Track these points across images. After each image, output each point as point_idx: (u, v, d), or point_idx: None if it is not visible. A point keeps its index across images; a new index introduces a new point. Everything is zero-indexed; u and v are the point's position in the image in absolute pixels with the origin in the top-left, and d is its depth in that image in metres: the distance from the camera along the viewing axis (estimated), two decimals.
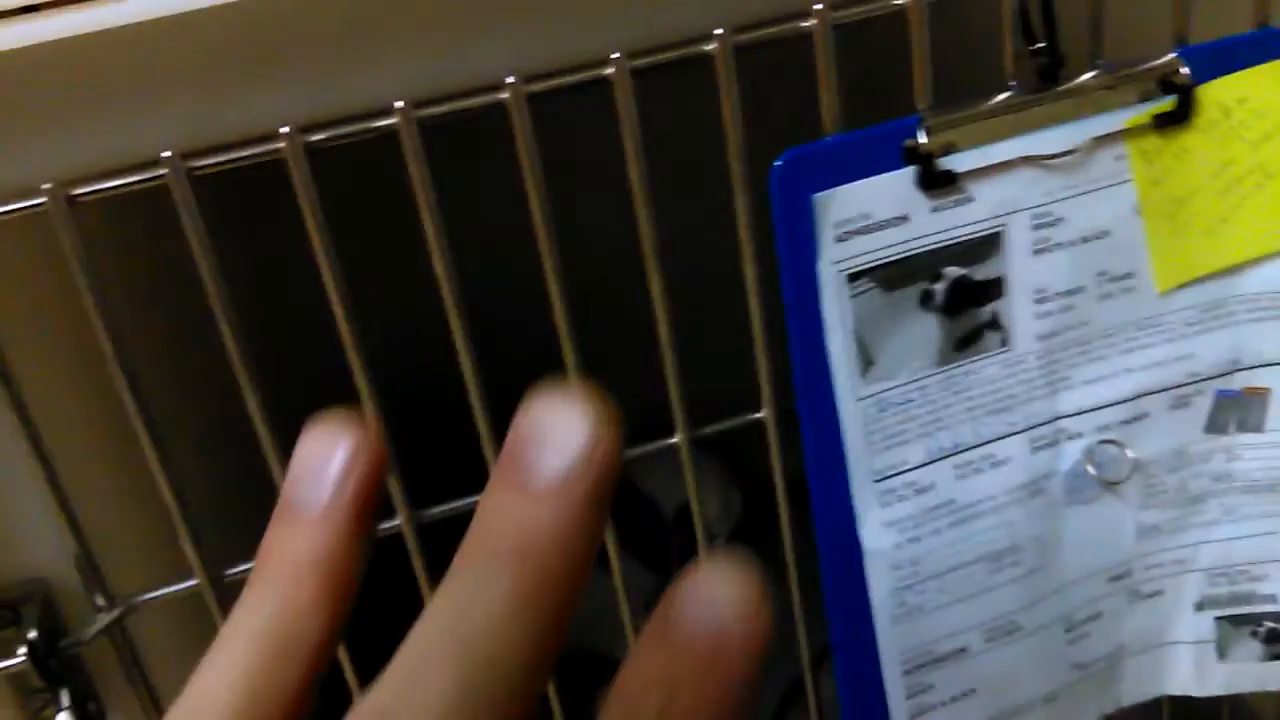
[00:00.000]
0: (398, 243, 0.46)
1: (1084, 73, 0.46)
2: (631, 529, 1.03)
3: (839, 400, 0.48)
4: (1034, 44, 0.45)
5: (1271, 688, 0.57)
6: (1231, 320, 0.51)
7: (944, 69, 0.47)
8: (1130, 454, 0.52)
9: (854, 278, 0.46)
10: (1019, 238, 0.48)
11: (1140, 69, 0.47)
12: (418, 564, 0.48)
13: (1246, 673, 0.57)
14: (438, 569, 0.46)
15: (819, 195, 0.44)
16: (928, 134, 0.45)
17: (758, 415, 0.49)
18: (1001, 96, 0.46)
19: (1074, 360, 0.50)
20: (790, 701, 0.88)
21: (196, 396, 0.59)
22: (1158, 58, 0.47)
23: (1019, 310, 0.49)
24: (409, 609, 0.26)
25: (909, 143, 0.45)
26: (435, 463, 0.52)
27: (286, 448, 0.28)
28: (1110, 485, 0.53)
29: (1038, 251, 0.48)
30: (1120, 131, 0.47)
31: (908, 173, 0.45)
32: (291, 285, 0.47)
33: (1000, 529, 0.52)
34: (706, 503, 1.14)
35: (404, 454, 0.45)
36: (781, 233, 0.45)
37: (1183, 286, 0.50)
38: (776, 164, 0.44)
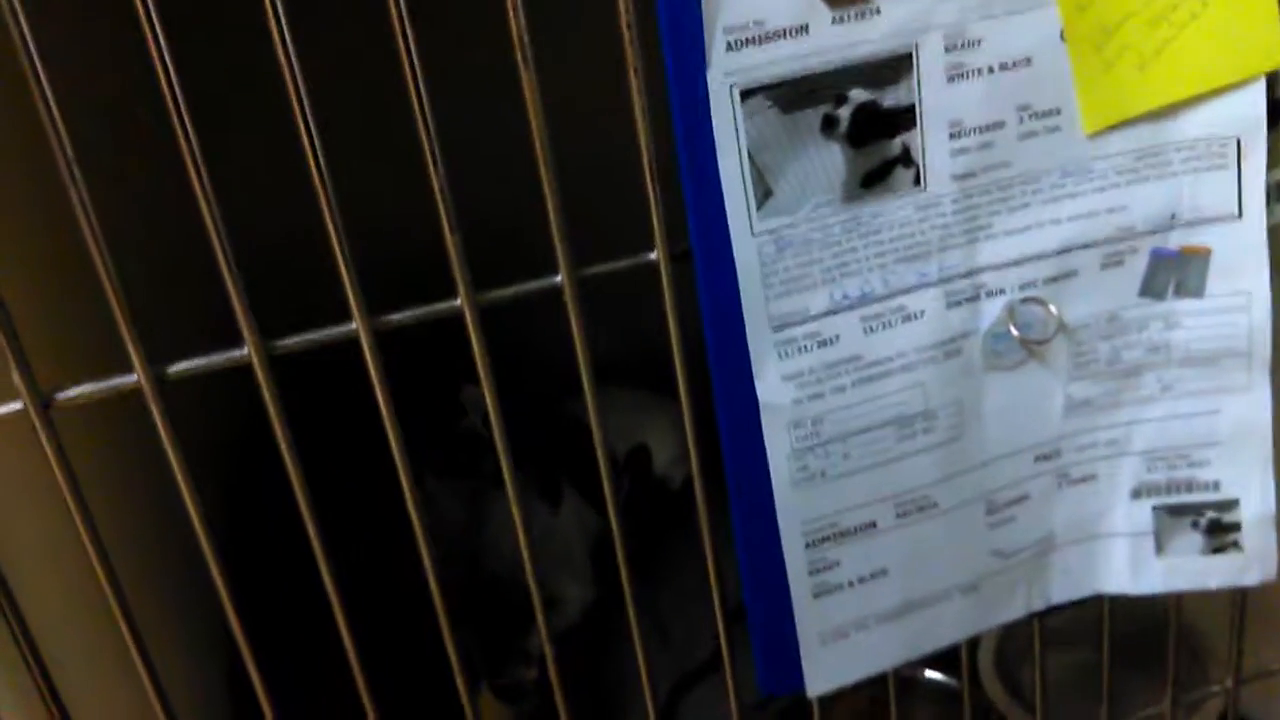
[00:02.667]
0: None
1: None
2: (580, 469, 0.99)
3: (733, 234, 0.44)
4: None
5: (1212, 584, 0.53)
6: (1168, 169, 0.47)
7: None
8: (1056, 313, 0.48)
9: (748, 94, 0.42)
10: (931, 60, 0.44)
11: None
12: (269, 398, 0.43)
13: (1187, 568, 0.53)
14: None
15: None
16: None
17: (649, 256, 0.45)
18: None
19: (994, 206, 0.46)
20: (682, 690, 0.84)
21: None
22: None
23: (933, 144, 0.45)
24: None
25: None
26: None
27: None
28: (1035, 350, 0.49)
29: (952, 78, 0.44)
30: None
31: None
32: None
33: (911, 390, 0.48)
34: (662, 448, 1.11)
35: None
36: (667, 37, 0.41)
37: (1114, 129, 0.46)
38: None
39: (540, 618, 0.52)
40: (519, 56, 0.40)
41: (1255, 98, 0.46)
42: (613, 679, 0.84)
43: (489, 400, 0.47)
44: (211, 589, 0.45)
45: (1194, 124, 0.47)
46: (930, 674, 0.80)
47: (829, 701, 0.79)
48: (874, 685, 0.53)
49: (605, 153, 0.53)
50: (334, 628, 0.47)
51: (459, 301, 0.43)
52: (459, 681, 0.51)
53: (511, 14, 0.39)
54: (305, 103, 0.39)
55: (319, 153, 0.40)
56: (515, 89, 0.40)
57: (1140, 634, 0.65)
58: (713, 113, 0.42)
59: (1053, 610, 0.54)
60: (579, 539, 0.92)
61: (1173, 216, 0.48)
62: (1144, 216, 0.48)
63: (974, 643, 0.79)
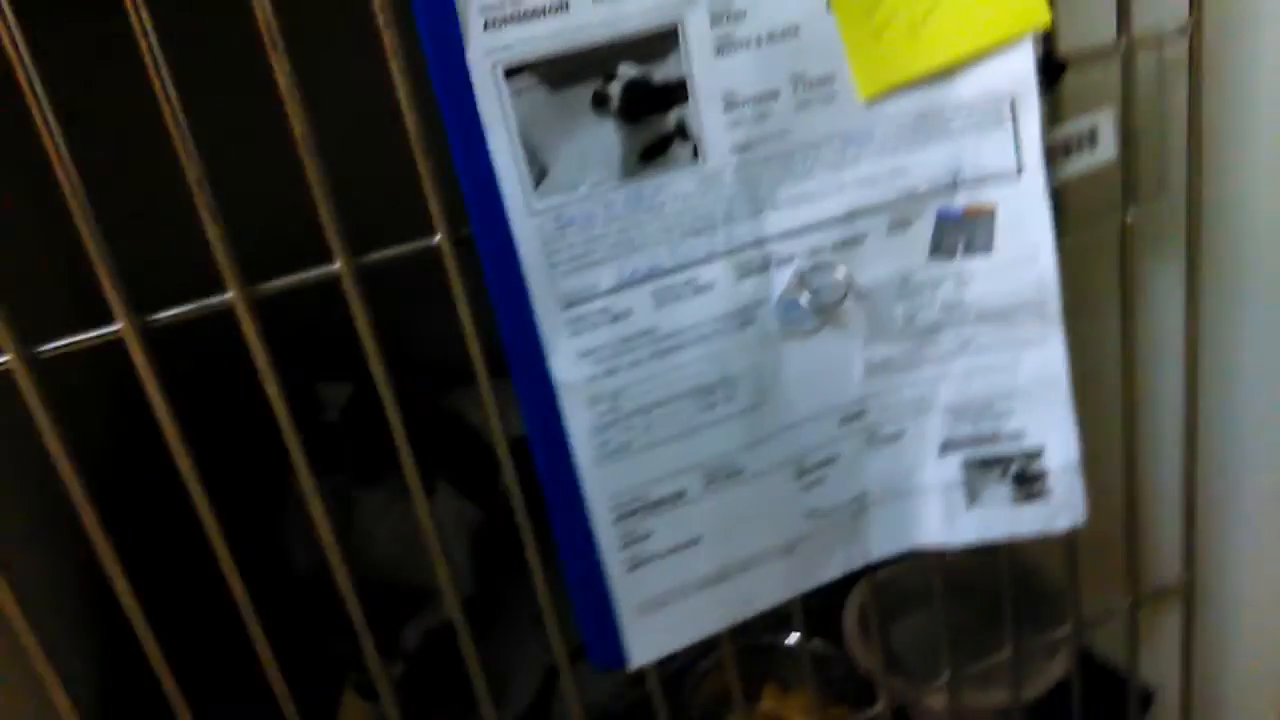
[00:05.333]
0: None
1: None
2: (458, 463, 0.99)
3: (511, 215, 0.44)
4: None
5: (1024, 531, 0.54)
6: (947, 131, 0.48)
7: None
8: (845, 277, 0.49)
9: (513, 73, 0.42)
10: (698, 33, 0.44)
11: None
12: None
13: (999, 517, 0.54)
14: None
15: None
16: None
17: (431, 242, 0.45)
18: None
19: (776, 176, 0.47)
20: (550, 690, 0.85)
21: None
22: None
23: (708, 118, 0.45)
24: None
25: None
26: None
27: None
28: (829, 315, 0.49)
29: (721, 50, 0.45)
30: None
31: None
32: None
33: (708, 361, 0.48)
34: None
35: None
36: (422, 17, 0.41)
37: (889, 94, 0.47)
38: None
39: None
40: (268, 43, 0.40)
41: (1024, 57, 0.47)
42: (492, 667, 0.84)
43: (378, 378, 0.47)
44: (90, 584, 0.44)
45: (968, 85, 0.48)
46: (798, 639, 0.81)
47: (700, 676, 0.80)
48: (745, 656, 0.54)
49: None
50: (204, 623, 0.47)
51: (337, 266, 0.44)
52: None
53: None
54: (167, 81, 0.39)
55: (184, 126, 0.40)
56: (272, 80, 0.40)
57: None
58: (477, 92, 0.42)
59: (878, 566, 0.56)
60: (454, 532, 0.92)
61: (955, 177, 0.49)
62: (927, 178, 0.49)
63: (840, 605, 0.81)
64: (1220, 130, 0.61)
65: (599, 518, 0.48)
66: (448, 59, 0.41)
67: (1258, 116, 0.61)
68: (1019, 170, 0.49)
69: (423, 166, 0.43)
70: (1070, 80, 0.53)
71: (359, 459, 0.87)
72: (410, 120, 0.42)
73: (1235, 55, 0.60)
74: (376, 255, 0.45)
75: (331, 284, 0.44)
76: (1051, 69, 0.52)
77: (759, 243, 0.48)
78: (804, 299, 0.49)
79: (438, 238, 0.45)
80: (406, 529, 0.96)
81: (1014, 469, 0.53)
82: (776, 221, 0.48)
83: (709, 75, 0.45)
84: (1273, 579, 0.71)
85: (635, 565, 0.49)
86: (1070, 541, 0.61)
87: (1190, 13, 0.55)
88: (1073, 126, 0.53)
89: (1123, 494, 0.62)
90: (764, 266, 0.48)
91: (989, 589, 0.65)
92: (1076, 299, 0.51)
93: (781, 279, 0.48)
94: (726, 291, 0.48)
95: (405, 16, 0.41)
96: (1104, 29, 0.53)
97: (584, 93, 0.44)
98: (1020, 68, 0.48)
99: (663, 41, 0.44)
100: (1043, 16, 0.46)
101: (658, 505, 0.49)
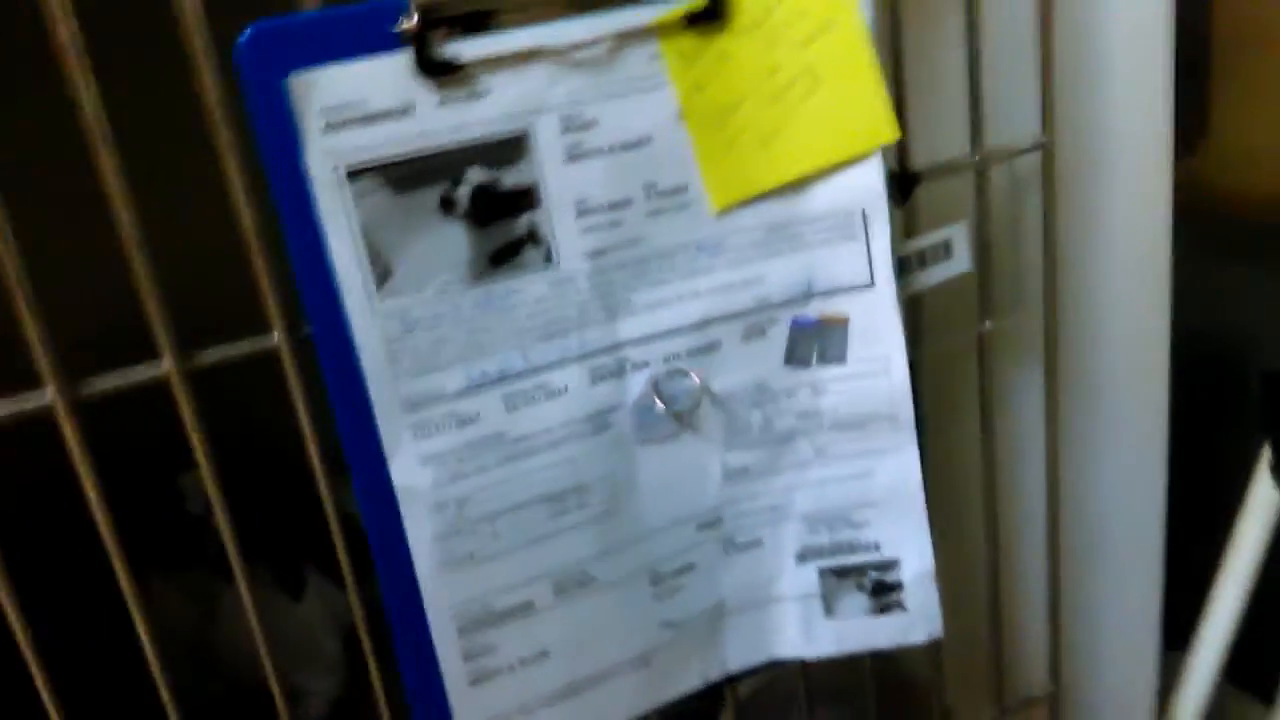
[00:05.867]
0: None
1: None
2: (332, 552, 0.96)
3: (351, 316, 0.43)
4: None
5: (881, 643, 0.54)
6: (800, 242, 0.49)
7: None
8: (700, 384, 0.49)
9: (356, 175, 0.42)
10: (549, 141, 0.44)
11: None
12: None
13: (856, 629, 0.54)
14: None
15: (295, 77, 0.40)
16: (421, 14, 0.41)
17: (269, 341, 0.44)
18: None
19: (631, 282, 0.47)
20: None
21: None
22: None
23: (560, 224, 0.45)
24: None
25: (402, 23, 0.41)
26: None
27: None
28: (684, 421, 0.49)
29: (573, 158, 0.45)
30: (651, 28, 0.44)
31: (403, 57, 0.41)
32: None
33: (561, 466, 0.47)
34: None
35: None
36: (259, 121, 0.40)
37: (744, 204, 0.48)
38: (242, 39, 0.39)
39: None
40: (96, 139, 0.39)
41: (873, 171, 0.48)
42: None
43: (206, 478, 0.45)
44: None
45: (820, 198, 0.48)
46: None
47: None
48: None
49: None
50: None
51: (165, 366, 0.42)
52: None
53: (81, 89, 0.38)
54: None
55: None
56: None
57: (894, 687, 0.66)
58: (317, 194, 0.41)
59: (734, 679, 0.55)
60: (326, 628, 0.89)
61: (809, 287, 0.49)
62: (781, 288, 0.49)
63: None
64: (1074, 241, 0.63)
65: (440, 629, 0.47)
66: (285, 161, 0.41)
67: (1110, 227, 0.63)
68: (871, 282, 0.50)
69: (258, 266, 0.42)
70: (925, 191, 0.54)
71: (222, 552, 0.84)
72: (246, 218, 0.41)
73: (1087, 168, 0.63)
74: (209, 355, 0.43)
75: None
76: (905, 181, 0.53)
77: (614, 348, 0.47)
78: (659, 405, 0.48)
79: (275, 337, 0.44)
80: (275, 625, 0.93)
81: (870, 580, 0.53)
82: (631, 327, 0.47)
83: (560, 182, 0.45)
84: (1138, 684, 0.72)
85: (478, 680, 0.48)
86: (934, 652, 0.61)
87: (1043, 128, 0.57)
88: (927, 239, 0.54)
89: (985, 604, 0.62)
90: (619, 371, 0.48)
91: (862, 696, 0.64)
92: (938, 407, 0.52)
93: (636, 384, 0.48)
94: (580, 396, 0.47)
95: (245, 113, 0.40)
96: (958, 142, 0.55)
97: (431, 196, 0.43)
98: (870, 182, 0.48)
99: (512, 147, 0.44)
100: (889, 132, 0.47)
101: (504, 617, 0.48)
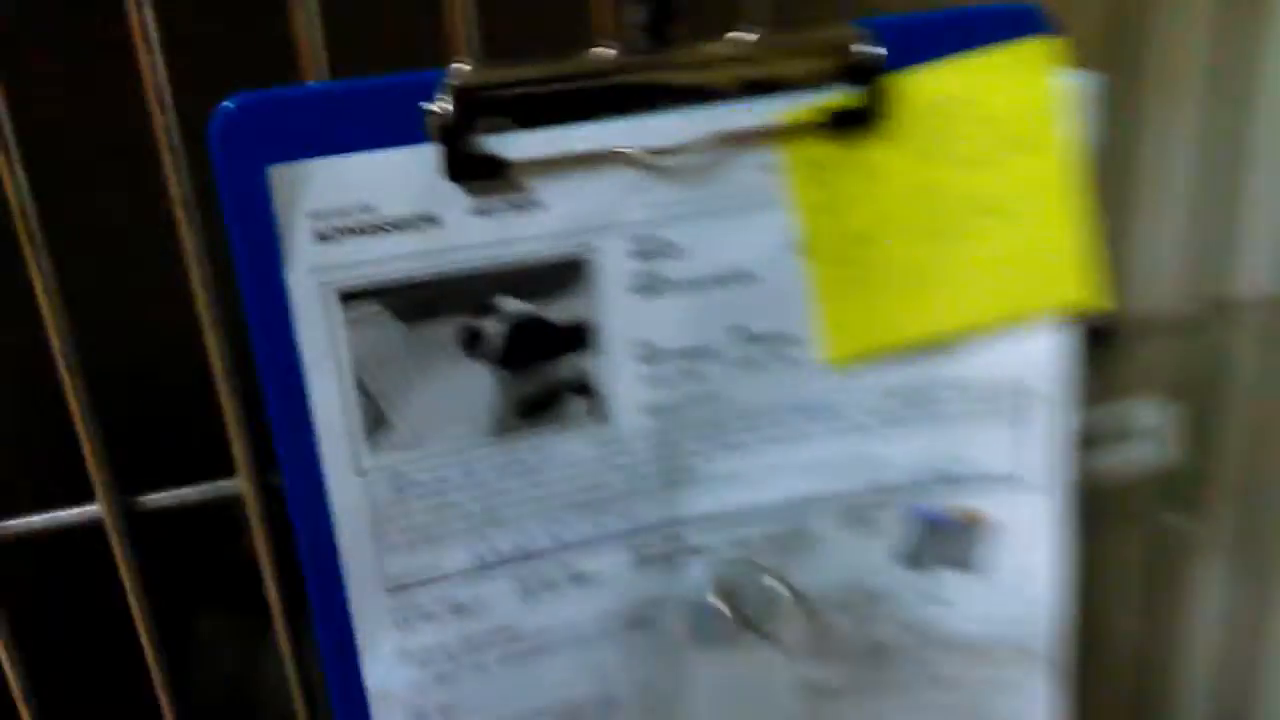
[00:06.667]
0: None
1: (721, 34, 0.32)
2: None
3: (330, 471, 0.33)
4: None
5: None
6: (937, 414, 0.37)
7: (529, 17, 0.32)
8: (778, 580, 0.38)
9: (352, 297, 0.31)
10: (614, 268, 0.33)
11: (802, 37, 0.32)
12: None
13: None
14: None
15: (279, 169, 0.30)
16: (457, 98, 0.30)
17: (229, 486, 0.34)
18: (581, 57, 0.31)
19: (701, 447, 0.36)
20: None
21: None
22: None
23: (619, 371, 0.34)
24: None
25: (429, 108, 0.30)
26: None
27: None
28: (753, 623, 0.38)
29: (644, 290, 0.34)
30: (770, 129, 0.33)
31: (429, 152, 0.30)
32: None
33: (584, 671, 0.37)
34: None
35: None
36: (232, 221, 0.30)
37: (865, 360, 0.36)
38: (218, 115, 0.29)
39: None
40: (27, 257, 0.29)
41: (1053, 339, 0.36)
42: None
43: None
44: None
45: (975, 362, 0.36)
46: None
47: None
48: None
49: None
50: None
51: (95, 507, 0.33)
52: None
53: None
54: None
55: None
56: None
57: None
58: (299, 318, 0.31)
59: None
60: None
61: (941, 472, 0.38)
62: (903, 468, 0.37)
63: None
64: None
65: None
66: (261, 274, 0.31)
67: None
68: (1027, 474, 0.38)
69: (227, 405, 0.32)
70: (1117, 351, 0.41)
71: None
72: (211, 341, 0.32)
73: None
74: (154, 497, 0.34)
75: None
76: (1098, 334, 0.40)
77: (668, 526, 0.36)
78: (721, 602, 0.37)
79: (237, 482, 0.34)
80: None
81: None
82: (694, 502, 0.36)
83: (625, 319, 0.34)
84: None
85: None
86: None
87: None
88: (1113, 412, 0.41)
89: None
90: (671, 556, 0.37)
91: None
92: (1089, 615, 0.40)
93: (694, 574, 0.37)
94: (619, 584, 0.36)
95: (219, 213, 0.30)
96: (1164, 293, 0.42)
97: (450, 329, 0.33)
98: (1048, 350, 0.36)
99: (565, 273, 0.33)
100: (1086, 294, 0.35)
101: None
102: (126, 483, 0.34)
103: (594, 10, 0.31)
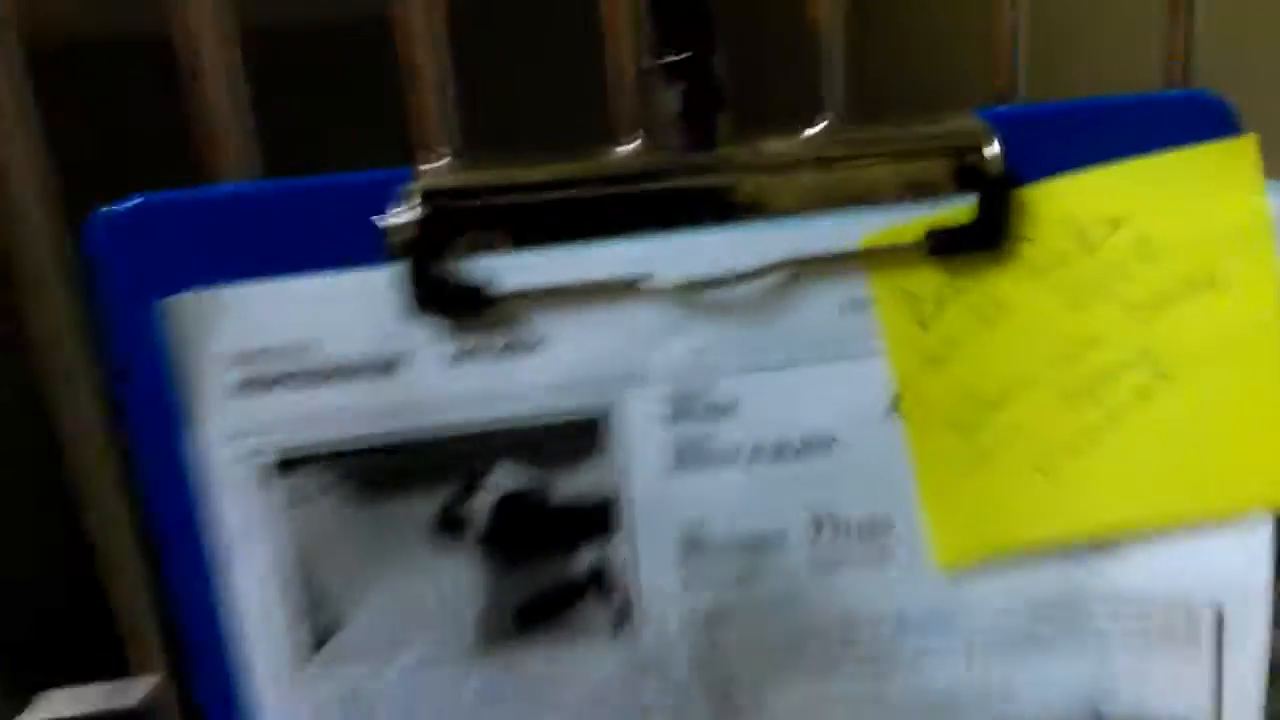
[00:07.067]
0: None
1: (789, 130, 0.24)
2: None
3: (262, 690, 0.25)
4: (668, 54, 0.23)
5: None
6: (1088, 636, 0.27)
7: (528, 100, 0.25)
8: None
9: (290, 466, 0.24)
10: (644, 430, 0.25)
11: (899, 131, 0.24)
12: None
13: None
14: None
15: (184, 297, 0.22)
16: (428, 205, 0.22)
17: (129, 698, 0.27)
18: (597, 155, 0.23)
19: (761, 670, 0.27)
20: None
21: None
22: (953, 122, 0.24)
23: (651, 564, 0.26)
24: None
25: (391, 218, 0.23)
26: None
27: None
28: None
29: (684, 460, 0.25)
30: (854, 253, 0.24)
31: (394, 276, 0.23)
32: None
33: None
34: None
35: None
36: (119, 364, 0.23)
37: (987, 561, 0.27)
38: (96, 223, 0.22)
39: None
40: None
41: (1244, 544, 0.26)
42: None
43: None
44: None
45: (1137, 571, 0.27)
46: None
47: None
48: None
49: None
50: None
51: None
52: None
53: None
54: None
55: None
56: None
57: None
58: (216, 497, 0.24)
59: None
60: None
61: (1094, 710, 0.28)
62: (1042, 704, 0.28)
63: None
64: None
65: None
66: (159, 438, 0.23)
67: None
68: (1216, 717, 0.27)
69: (123, 599, 0.25)
70: None
71: None
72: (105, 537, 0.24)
73: None
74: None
75: None
76: None
77: None
78: None
79: (153, 686, 0.26)
80: None
81: None
82: None
83: (659, 496, 0.25)
84: None
85: None
86: None
87: None
88: None
89: None
90: None
91: None
92: None
93: None
94: None
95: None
96: None
97: (423, 508, 0.25)
98: (1233, 556, 0.26)
99: (575, 437, 0.25)
100: None
101: None
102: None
103: (611, 93, 0.23)
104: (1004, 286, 0.25)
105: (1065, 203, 0.24)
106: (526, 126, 0.23)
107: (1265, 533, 0.26)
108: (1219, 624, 0.27)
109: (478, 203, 0.23)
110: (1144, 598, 0.27)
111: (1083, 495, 0.26)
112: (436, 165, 0.23)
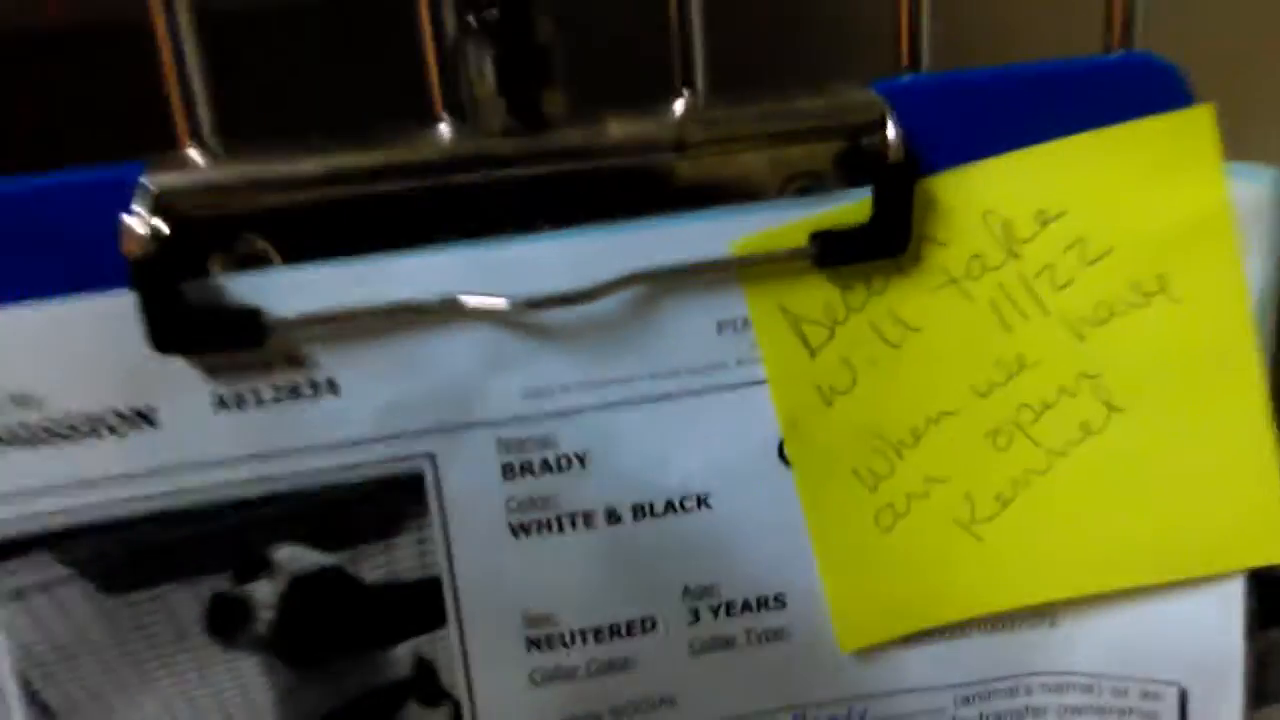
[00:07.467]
0: None
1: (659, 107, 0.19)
2: None
3: None
4: (477, 11, 0.18)
5: None
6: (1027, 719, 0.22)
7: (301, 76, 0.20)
8: None
9: (7, 552, 0.18)
10: (471, 488, 0.20)
11: (775, 108, 0.19)
12: None
13: None
14: None
15: None
16: (168, 213, 0.17)
17: None
18: (400, 141, 0.18)
19: None
20: None
21: None
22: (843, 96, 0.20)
23: (487, 659, 0.20)
24: None
25: (126, 228, 0.17)
26: None
27: None
28: None
29: (527, 526, 0.20)
30: (723, 262, 0.19)
31: (121, 301, 0.18)
32: None
33: None
34: None
35: None
36: None
37: (896, 641, 0.22)
38: None
39: None
40: None
41: (1225, 612, 0.21)
42: None
43: None
44: None
45: (1085, 645, 0.22)
46: None
47: None
48: None
49: None
50: None
51: None
52: None
53: None
54: None
55: None
56: None
57: None
58: None
59: None
60: None
61: None
62: None
63: None
64: None
65: None
66: None
67: None
68: None
69: None
70: None
71: None
72: None
73: None
74: None
75: None
76: (1272, 591, 0.25)
77: None
78: None
79: None
80: None
81: None
82: None
83: (493, 576, 0.20)
84: None
85: None
86: None
87: None
88: None
89: None
90: None
91: None
92: None
93: None
94: None
95: None
96: None
97: (186, 601, 0.19)
98: (1210, 631, 0.22)
99: (386, 500, 0.20)
100: (1266, 544, 0.21)
101: None
102: None
103: (426, 70, 0.18)
104: (910, 301, 0.20)
105: (982, 195, 0.20)
106: (328, 118, 0.18)
107: (1236, 597, 0.21)
108: (1183, 705, 0.22)
109: (236, 206, 0.18)
110: (1094, 676, 0.22)
111: (1017, 556, 0.21)
112: (185, 155, 0.17)
